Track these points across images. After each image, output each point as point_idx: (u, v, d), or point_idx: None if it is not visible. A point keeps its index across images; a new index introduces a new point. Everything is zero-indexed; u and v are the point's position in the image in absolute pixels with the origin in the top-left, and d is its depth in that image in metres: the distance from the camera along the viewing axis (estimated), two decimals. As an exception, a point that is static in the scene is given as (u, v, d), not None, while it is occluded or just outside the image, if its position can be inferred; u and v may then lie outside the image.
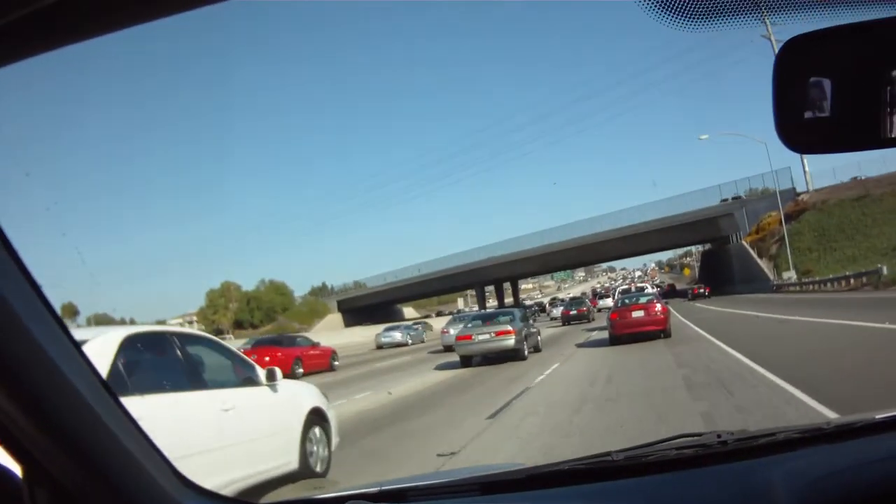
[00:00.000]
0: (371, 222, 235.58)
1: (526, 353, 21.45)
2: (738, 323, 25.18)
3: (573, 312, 47.06)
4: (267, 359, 21.97)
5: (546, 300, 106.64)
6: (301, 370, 26.11)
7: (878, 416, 1.85)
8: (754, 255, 57.38)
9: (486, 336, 21.36)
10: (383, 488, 1.98)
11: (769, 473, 1.61)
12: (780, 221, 52.27)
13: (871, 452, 1.66)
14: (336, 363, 29.94)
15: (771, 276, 52.81)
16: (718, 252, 73.23)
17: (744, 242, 60.49)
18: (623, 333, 21.20)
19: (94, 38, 1.10)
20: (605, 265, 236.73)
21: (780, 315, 24.84)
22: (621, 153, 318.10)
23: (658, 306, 21.50)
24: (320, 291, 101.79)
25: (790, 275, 49.73)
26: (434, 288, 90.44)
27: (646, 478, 1.74)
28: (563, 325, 45.18)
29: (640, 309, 21.52)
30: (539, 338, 24.35)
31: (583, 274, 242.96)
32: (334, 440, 8.09)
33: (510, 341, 21.02)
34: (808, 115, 1.29)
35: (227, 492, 4.71)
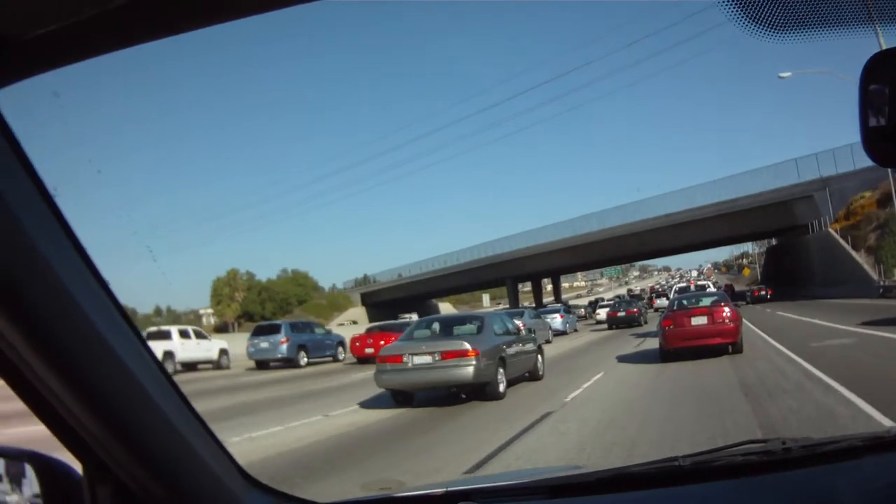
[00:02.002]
0: (407, 209, 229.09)
1: (501, 387, 13.67)
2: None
3: (621, 314, 41.01)
4: (382, 342, 23.32)
5: (583, 301, 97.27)
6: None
7: None
8: (847, 246, 44.63)
9: (427, 359, 13.28)
10: (449, 489, 2.00)
11: (834, 481, 1.64)
12: (879, 202, 41.80)
13: None
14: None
15: (874, 275, 40.28)
16: (790, 246, 61.55)
17: (830, 230, 47.89)
18: (678, 347, 17.03)
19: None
20: (660, 264, 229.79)
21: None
22: (674, 119, 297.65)
23: (727, 310, 17.01)
24: (363, 283, 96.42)
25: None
26: (459, 283, 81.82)
27: (712, 483, 1.77)
28: (610, 328, 39.74)
29: (702, 313, 17.26)
30: (540, 359, 16.68)
31: (637, 273, 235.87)
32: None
33: (467, 369, 12.95)
34: (891, 127, 1.30)
35: None
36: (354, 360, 29.13)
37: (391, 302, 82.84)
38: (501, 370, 13.70)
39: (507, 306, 69.47)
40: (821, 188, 50.13)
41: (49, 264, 1.15)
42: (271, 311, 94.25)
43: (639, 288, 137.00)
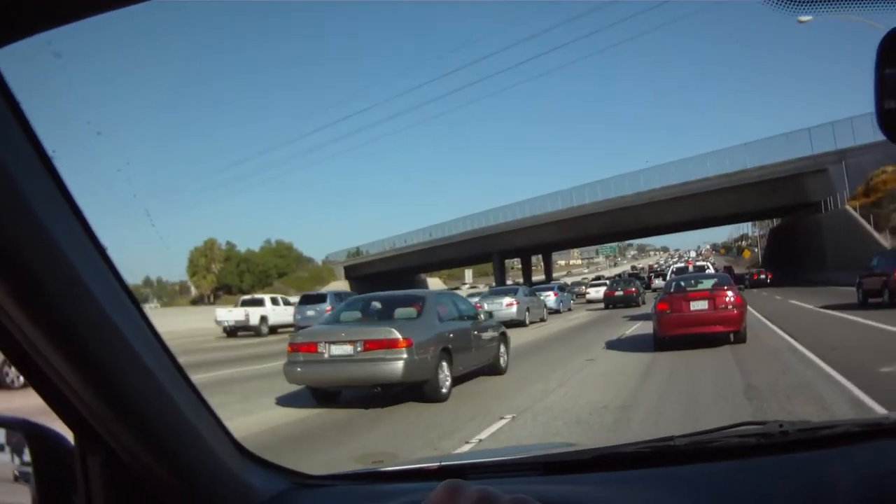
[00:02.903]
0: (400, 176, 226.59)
1: (444, 387, 11.21)
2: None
3: (619, 293, 40.62)
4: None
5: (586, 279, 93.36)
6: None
7: None
8: (868, 226, 39.38)
9: (347, 349, 10.77)
10: (443, 464, 2.00)
11: (831, 466, 1.61)
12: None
13: None
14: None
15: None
16: (797, 227, 56.55)
17: (847, 208, 42.67)
18: (674, 334, 15.60)
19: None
20: (658, 244, 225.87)
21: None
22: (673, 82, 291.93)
23: (730, 294, 15.67)
24: (355, 254, 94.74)
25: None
26: (446, 257, 78.57)
27: (708, 464, 1.75)
28: (606, 307, 39.40)
29: (702, 297, 15.82)
30: (503, 348, 14.26)
31: (635, 252, 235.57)
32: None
33: (394, 364, 10.49)
34: None
35: None
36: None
37: (377, 276, 79.39)
38: (446, 364, 11.28)
39: (494, 284, 66.35)
40: (836, 161, 45.28)
41: (45, 227, 1.13)
42: (249, 283, 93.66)
43: (641, 266, 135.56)
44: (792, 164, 48.12)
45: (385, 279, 72.65)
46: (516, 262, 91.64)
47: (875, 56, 1.28)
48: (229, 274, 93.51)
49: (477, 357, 12.82)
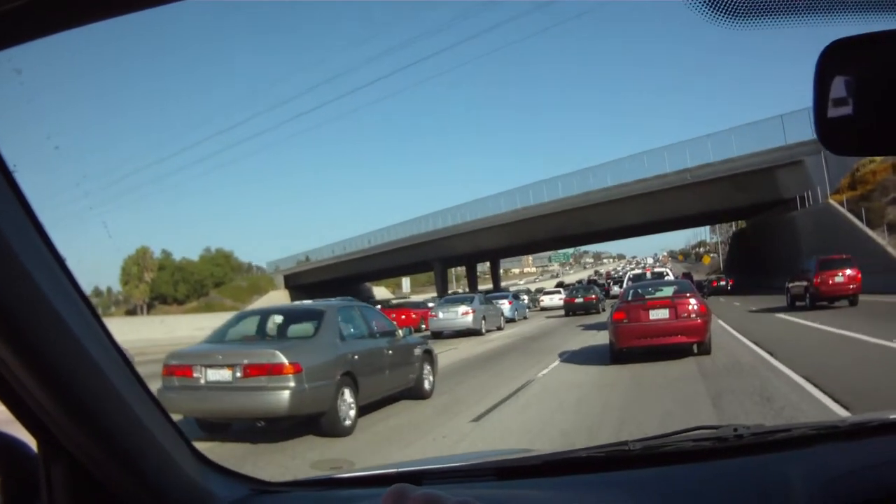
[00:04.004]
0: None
1: (347, 419, 9.71)
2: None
3: (579, 300, 40.56)
4: (403, 317, 31.03)
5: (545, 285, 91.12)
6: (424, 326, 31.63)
7: (892, 416, 1.93)
8: (859, 223, 34.55)
9: (226, 374, 9.24)
10: (400, 470, 2.08)
11: (785, 469, 1.66)
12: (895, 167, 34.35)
13: (886, 453, 1.73)
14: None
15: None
16: (765, 228, 51.62)
17: (831, 202, 37.84)
18: (632, 346, 14.89)
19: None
20: (614, 251, 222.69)
21: None
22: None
23: (693, 302, 14.86)
24: (305, 262, 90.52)
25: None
26: (386, 265, 72.92)
27: (662, 468, 1.80)
28: (567, 314, 39.48)
29: (662, 305, 14.97)
30: (427, 368, 12.59)
31: (591, 260, 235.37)
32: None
33: (279, 395, 8.97)
34: (847, 116, 1.33)
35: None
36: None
37: (318, 285, 74.85)
38: (348, 392, 9.80)
39: (436, 294, 62.36)
40: (814, 151, 38.92)
41: (4, 238, 1.17)
42: (184, 293, 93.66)
43: (600, 273, 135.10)
44: (762, 156, 42.63)
45: (327, 288, 67.34)
46: (462, 271, 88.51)
47: (814, 68, 1.32)
48: (164, 283, 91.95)
49: (392, 381, 11.38)
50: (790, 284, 27.01)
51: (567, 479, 1.78)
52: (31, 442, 1.40)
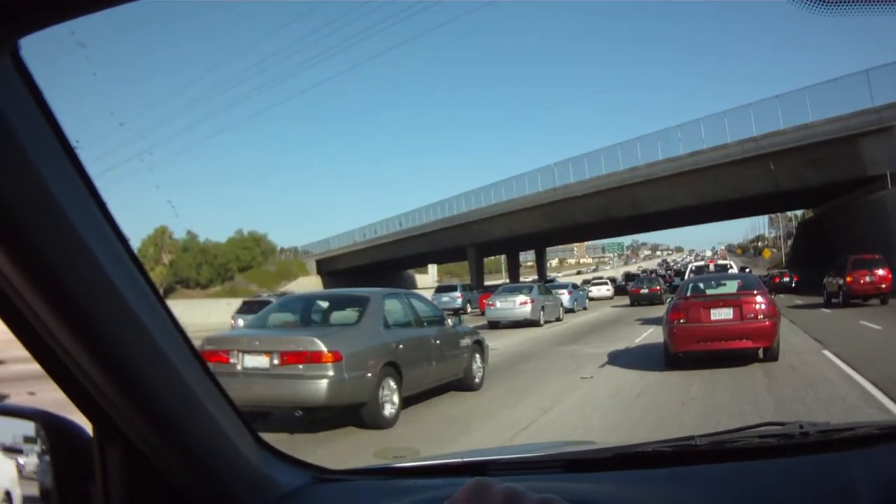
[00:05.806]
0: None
1: (388, 409, 9.95)
2: None
3: (644, 291, 43.03)
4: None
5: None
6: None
7: None
8: None
9: (263, 361, 9.66)
10: (466, 460, 2.08)
11: (850, 468, 1.62)
12: None
13: None
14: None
15: None
16: (841, 216, 43.52)
17: None
18: (690, 350, 13.55)
19: None
20: (671, 244, 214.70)
21: None
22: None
23: (761, 301, 13.57)
24: (337, 249, 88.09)
25: None
26: (416, 249, 68.35)
27: (728, 464, 1.78)
28: (631, 305, 41.26)
29: (725, 304, 13.69)
30: (477, 358, 12.74)
31: (648, 252, 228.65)
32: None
33: (317, 384, 9.25)
34: None
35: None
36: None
37: (353, 270, 72.79)
38: (392, 383, 9.95)
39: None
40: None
41: (69, 220, 1.15)
42: (208, 277, 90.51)
43: (652, 266, 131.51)
44: (843, 122, 35.24)
45: (364, 274, 66.18)
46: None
47: None
48: (186, 266, 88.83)
49: (439, 372, 11.36)
50: (827, 280, 28.69)
51: (633, 473, 1.75)
52: (86, 426, 1.40)
